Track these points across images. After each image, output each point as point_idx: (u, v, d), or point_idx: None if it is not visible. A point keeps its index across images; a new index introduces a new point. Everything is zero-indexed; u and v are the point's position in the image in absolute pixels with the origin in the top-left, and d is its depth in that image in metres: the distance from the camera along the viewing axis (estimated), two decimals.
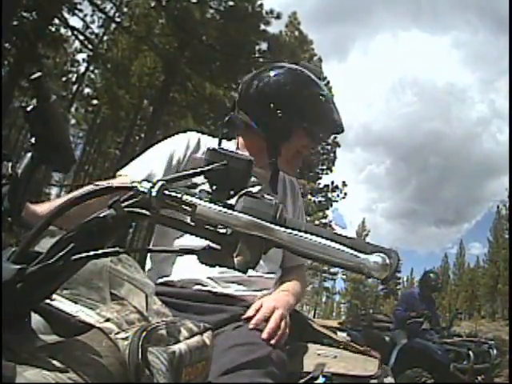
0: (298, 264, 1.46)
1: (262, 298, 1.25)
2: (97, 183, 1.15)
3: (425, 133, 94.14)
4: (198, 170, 0.57)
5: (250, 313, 1.15)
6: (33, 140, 0.63)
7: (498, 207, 39.19)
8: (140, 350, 0.55)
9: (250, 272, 1.27)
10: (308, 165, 19.91)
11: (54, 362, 0.48)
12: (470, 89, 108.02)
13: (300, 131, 1.37)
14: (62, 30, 13.99)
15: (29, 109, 0.61)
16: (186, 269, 1.23)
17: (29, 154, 0.63)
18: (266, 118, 1.35)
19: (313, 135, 1.40)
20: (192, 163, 1.30)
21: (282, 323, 1.13)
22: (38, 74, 0.60)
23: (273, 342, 1.08)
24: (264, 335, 1.08)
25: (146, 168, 1.26)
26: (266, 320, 1.12)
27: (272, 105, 1.33)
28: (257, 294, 1.25)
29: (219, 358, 0.93)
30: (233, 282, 1.24)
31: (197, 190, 0.58)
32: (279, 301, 1.20)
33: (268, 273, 1.32)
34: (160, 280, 1.24)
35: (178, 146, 1.35)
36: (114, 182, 1.24)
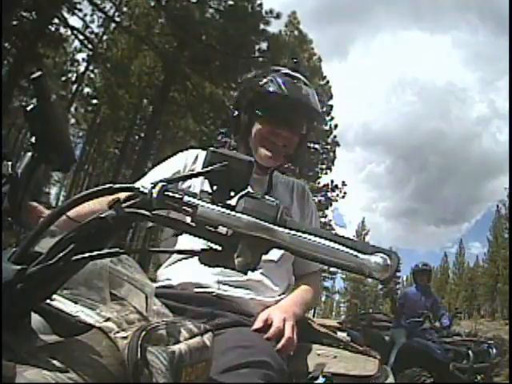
0: (313, 271, 1.46)
1: (262, 302, 1.23)
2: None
3: (425, 132, 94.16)
4: (199, 171, 0.57)
5: (257, 325, 1.14)
6: (33, 139, 0.62)
7: (497, 206, 39.21)
8: (139, 349, 0.55)
9: (252, 276, 1.23)
10: (308, 163, 19.91)
11: (54, 361, 0.49)
12: (470, 88, 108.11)
13: (259, 121, 1.41)
14: (62, 30, 14.00)
15: (29, 108, 0.61)
16: (186, 273, 1.22)
17: (29, 154, 0.63)
18: (232, 121, 1.48)
19: (271, 120, 1.40)
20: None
21: (294, 335, 1.14)
22: (39, 73, 0.59)
23: (286, 353, 1.10)
24: (278, 349, 1.09)
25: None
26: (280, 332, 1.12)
27: (232, 106, 1.47)
28: (256, 298, 1.24)
29: (219, 357, 0.93)
30: (234, 286, 1.23)
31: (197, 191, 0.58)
32: (288, 312, 1.19)
33: (274, 278, 1.30)
34: (156, 284, 1.22)
35: (178, 162, 1.44)
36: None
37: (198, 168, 1.41)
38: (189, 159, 1.44)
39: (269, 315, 1.16)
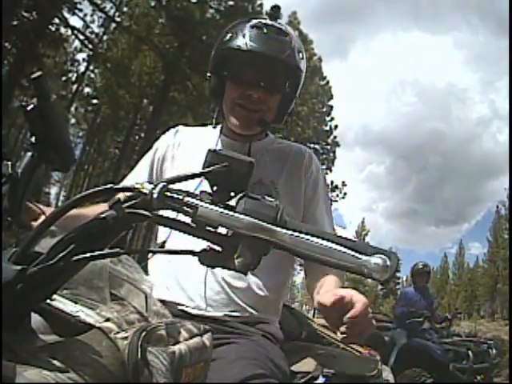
0: None
1: (243, 318, 1.13)
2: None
3: (425, 133, 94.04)
4: (200, 171, 0.57)
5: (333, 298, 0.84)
6: (33, 139, 0.63)
7: (497, 207, 39.26)
8: (139, 350, 0.55)
9: (238, 288, 1.10)
10: None
11: (54, 361, 0.49)
12: (470, 89, 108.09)
13: (228, 84, 1.24)
14: (62, 30, 14.05)
15: (29, 108, 0.61)
16: (164, 290, 1.17)
17: (29, 154, 0.63)
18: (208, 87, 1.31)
19: (239, 81, 1.22)
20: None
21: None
22: (39, 72, 0.60)
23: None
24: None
25: (135, 178, 1.32)
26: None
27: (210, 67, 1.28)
28: (234, 314, 1.15)
29: (227, 369, 0.91)
30: (217, 302, 1.15)
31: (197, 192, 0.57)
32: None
33: (263, 271, 1.15)
34: None
35: (159, 146, 1.37)
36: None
37: (179, 140, 1.36)
38: (169, 139, 1.37)
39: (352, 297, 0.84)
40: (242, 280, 1.16)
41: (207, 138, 1.33)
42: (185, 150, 1.33)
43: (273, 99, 1.23)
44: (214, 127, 1.37)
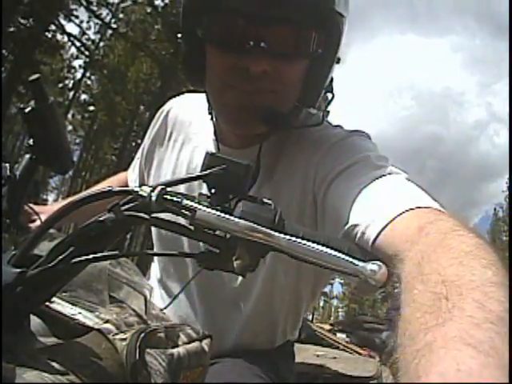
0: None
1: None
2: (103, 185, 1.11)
3: (422, 136, 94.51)
4: (198, 174, 0.57)
5: None
6: (31, 141, 0.63)
7: (494, 209, 39.32)
8: (138, 351, 0.55)
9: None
10: None
11: (53, 364, 0.48)
12: (467, 92, 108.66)
13: (208, 51, 0.77)
14: (59, 37, 14.09)
15: (27, 110, 0.61)
16: None
17: (27, 156, 0.63)
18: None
19: (224, 45, 0.74)
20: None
21: None
22: (36, 75, 0.60)
23: None
24: None
25: (136, 164, 1.27)
26: None
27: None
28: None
29: (223, 371, 0.88)
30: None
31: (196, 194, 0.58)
32: None
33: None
34: None
35: (146, 143, 1.17)
36: (115, 180, 1.21)
37: (169, 132, 1.10)
38: (158, 131, 1.12)
39: None
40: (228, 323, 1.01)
41: (200, 142, 1.00)
42: (169, 165, 1.07)
43: (292, 71, 0.77)
44: (211, 117, 0.91)
